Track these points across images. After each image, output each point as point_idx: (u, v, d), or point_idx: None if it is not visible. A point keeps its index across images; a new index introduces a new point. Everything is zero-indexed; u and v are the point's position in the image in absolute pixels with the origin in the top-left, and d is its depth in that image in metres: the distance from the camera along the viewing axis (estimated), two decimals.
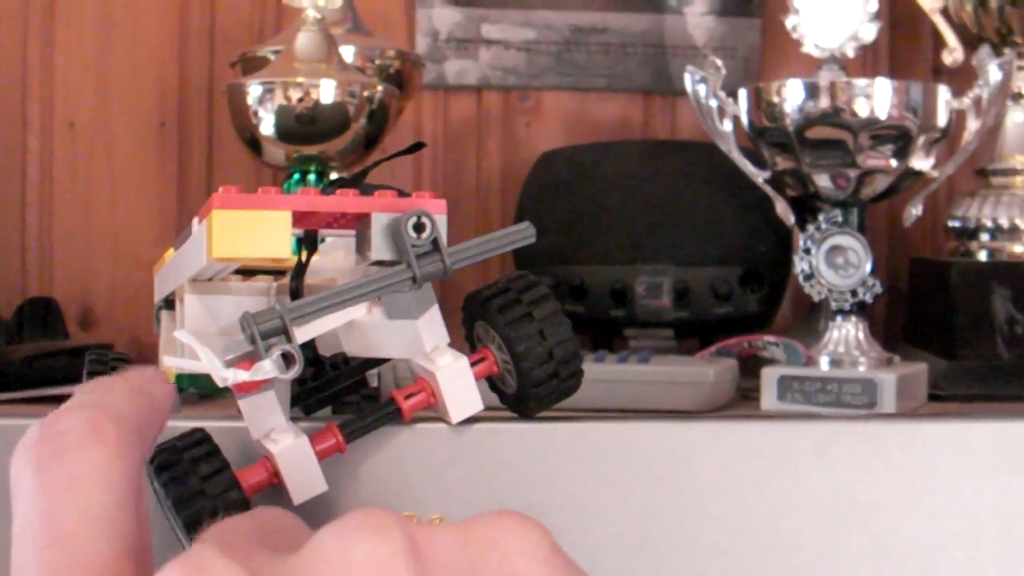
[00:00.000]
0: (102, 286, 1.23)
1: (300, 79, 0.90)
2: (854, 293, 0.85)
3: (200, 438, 0.49)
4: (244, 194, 0.49)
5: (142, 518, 0.37)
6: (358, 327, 0.52)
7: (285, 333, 0.47)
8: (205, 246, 0.49)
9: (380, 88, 0.92)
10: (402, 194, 0.51)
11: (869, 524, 0.55)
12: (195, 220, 0.53)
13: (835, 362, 0.86)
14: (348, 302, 0.49)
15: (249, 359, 0.47)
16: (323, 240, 0.59)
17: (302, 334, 0.49)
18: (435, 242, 0.50)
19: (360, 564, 0.31)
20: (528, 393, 0.53)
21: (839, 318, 0.86)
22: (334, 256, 0.58)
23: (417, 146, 0.61)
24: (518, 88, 1.26)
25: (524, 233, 0.52)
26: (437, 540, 0.33)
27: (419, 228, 0.50)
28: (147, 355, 1.09)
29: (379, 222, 0.50)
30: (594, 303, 1.00)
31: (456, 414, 0.52)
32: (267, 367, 0.46)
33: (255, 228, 0.48)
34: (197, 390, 0.80)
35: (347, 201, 0.50)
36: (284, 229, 0.49)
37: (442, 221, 0.51)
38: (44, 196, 1.23)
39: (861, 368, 0.85)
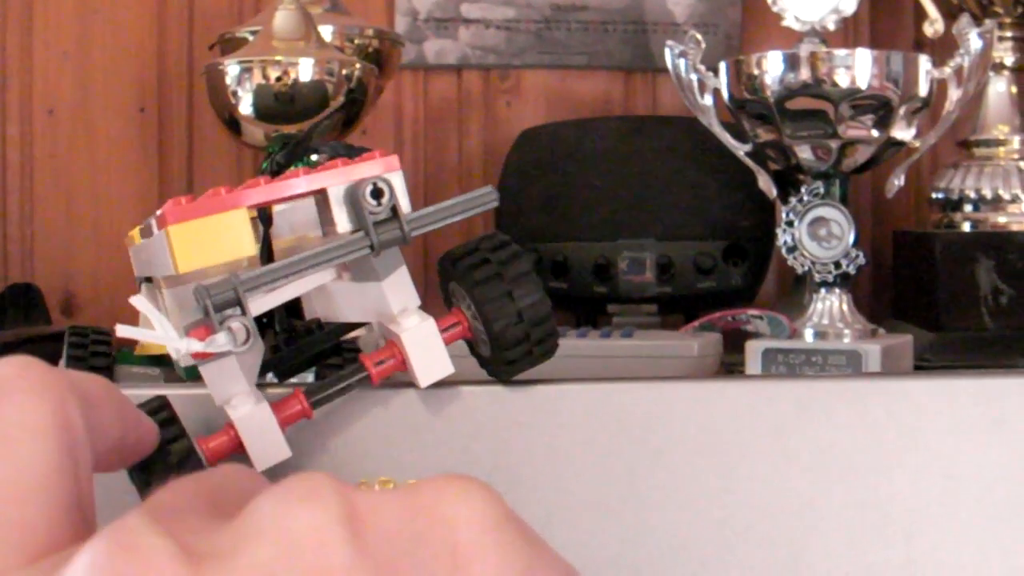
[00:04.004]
0: (84, 272, 1.22)
1: (278, 57, 0.89)
2: (837, 265, 0.85)
3: (158, 405, 0.49)
4: (194, 202, 0.48)
5: (82, 477, 0.35)
6: (327, 292, 0.51)
7: (239, 304, 0.47)
8: (170, 261, 0.48)
9: (358, 66, 0.92)
10: (351, 150, 0.51)
11: (852, 483, 0.54)
12: (153, 223, 0.52)
13: (819, 334, 0.85)
14: (304, 272, 0.48)
15: (204, 325, 0.47)
16: None
17: (265, 303, 0.48)
18: (394, 209, 0.49)
19: (297, 534, 0.30)
20: (501, 356, 0.52)
21: (823, 290, 0.86)
22: (302, 205, 0.57)
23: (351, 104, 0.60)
24: (498, 67, 1.26)
25: (486, 197, 0.51)
26: (378, 508, 0.31)
27: (377, 194, 0.49)
28: (129, 340, 1.08)
29: (335, 194, 0.50)
30: (577, 280, 1.00)
31: (424, 378, 0.52)
32: (220, 340, 0.46)
33: (215, 233, 0.48)
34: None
35: (298, 183, 0.50)
36: (244, 227, 0.48)
37: (398, 177, 0.50)
38: (25, 183, 1.22)
39: (846, 340, 0.84)
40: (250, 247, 0.48)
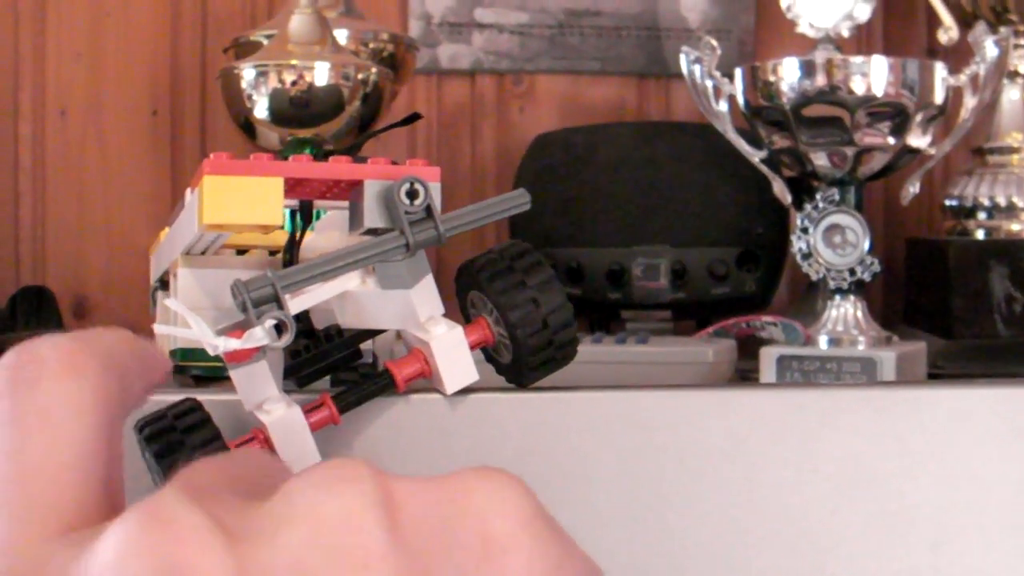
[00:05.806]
0: (96, 275, 1.22)
1: (294, 61, 0.89)
2: (852, 272, 0.85)
3: (191, 407, 0.49)
4: (236, 160, 0.48)
5: (115, 459, 0.35)
6: (352, 298, 0.51)
7: (277, 300, 0.46)
8: (196, 214, 0.48)
9: (374, 70, 0.92)
10: (395, 163, 0.51)
11: (875, 492, 0.54)
12: (188, 191, 0.53)
13: (834, 341, 0.85)
14: (341, 269, 0.48)
15: (241, 328, 0.46)
16: (318, 217, 0.58)
17: (296, 305, 0.48)
18: (428, 209, 0.49)
19: (331, 517, 0.30)
20: (524, 362, 0.52)
21: (837, 297, 0.86)
22: (329, 235, 0.58)
23: (414, 117, 0.61)
24: (512, 72, 1.26)
25: (519, 200, 0.52)
26: (413, 495, 0.31)
27: (412, 195, 0.49)
28: None
29: (372, 189, 0.50)
30: (591, 285, 1.00)
31: (451, 384, 0.52)
32: (258, 334, 0.46)
33: (247, 194, 0.48)
34: (201, 371, 0.79)
35: (339, 168, 0.50)
36: (276, 195, 0.48)
37: (436, 189, 0.50)
38: (37, 185, 1.22)
39: (860, 347, 0.84)
40: (277, 216, 0.48)
